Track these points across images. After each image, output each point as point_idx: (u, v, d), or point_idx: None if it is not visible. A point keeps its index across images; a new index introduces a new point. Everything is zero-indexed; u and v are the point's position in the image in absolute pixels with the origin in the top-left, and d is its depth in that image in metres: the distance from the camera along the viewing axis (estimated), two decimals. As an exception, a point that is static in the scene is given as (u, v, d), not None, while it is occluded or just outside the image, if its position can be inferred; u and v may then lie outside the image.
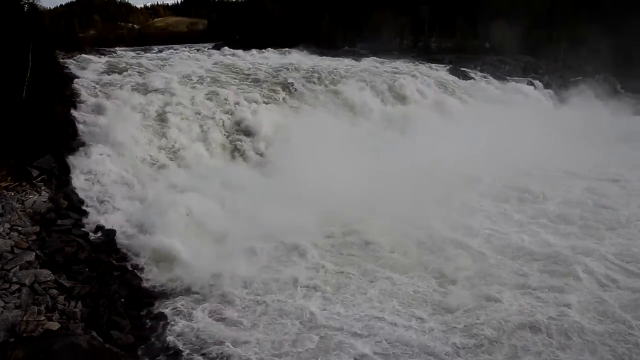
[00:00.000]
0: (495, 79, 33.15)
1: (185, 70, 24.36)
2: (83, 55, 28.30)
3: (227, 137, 19.17)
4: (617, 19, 47.02)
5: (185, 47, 45.95)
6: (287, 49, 39.01)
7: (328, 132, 19.67)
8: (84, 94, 18.77)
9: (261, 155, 18.46)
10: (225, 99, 20.97)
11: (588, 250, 12.33)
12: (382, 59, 35.02)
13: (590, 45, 41.09)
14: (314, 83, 25.43)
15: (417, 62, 34.36)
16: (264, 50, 37.76)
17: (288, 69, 27.07)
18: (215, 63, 28.03)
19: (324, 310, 10.15)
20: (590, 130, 25.52)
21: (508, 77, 34.17)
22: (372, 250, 12.49)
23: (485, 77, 33.03)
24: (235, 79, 24.50)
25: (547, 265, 11.71)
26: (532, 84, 33.79)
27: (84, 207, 13.66)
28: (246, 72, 26.09)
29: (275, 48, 38.95)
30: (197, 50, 40.53)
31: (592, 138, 24.08)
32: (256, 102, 21.65)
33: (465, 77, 31.87)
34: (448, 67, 33.42)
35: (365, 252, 12.40)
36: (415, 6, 47.77)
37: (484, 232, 13.45)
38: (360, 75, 27.31)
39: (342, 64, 31.32)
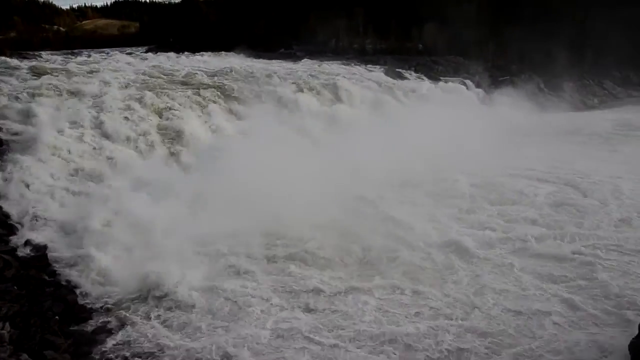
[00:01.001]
0: (430, 79, 34.24)
1: (118, 74, 23.60)
2: (3, 58, 26.95)
3: (161, 141, 18.62)
4: (536, 21, 49.76)
5: (117, 51, 44.41)
6: (223, 52, 38.60)
7: (266, 135, 19.51)
8: (6, 101, 17.77)
9: (197, 159, 18.03)
10: (160, 103, 20.41)
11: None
12: (318, 61, 35.35)
13: (515, 46, 43.27)
14: (252, 85, 25.24)
15: (353, 64, 34.93)
16: (199, 53, 37.20)
17: (225, 72, 26.80)
18: (149, 67, 27.30)
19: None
20: (523, 127, 27.01)
21: (441, 78, 35.34)
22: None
23: (420, 78, 34.04)
24: (170, 82, 24.00)
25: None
26: (464, 83, 35.08)
27: (10, 222, 12.88)
28: (181, 76, 25.65)
29: (210, 51, 38.46)
30: (130, 54, 39.35)
31: (527, 135, 25.54)
32: (192, 106, 21.24)
33: (401, 77, 32.69)
34: (384, 68, 34.14)
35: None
36: (350, 8, 48.55)
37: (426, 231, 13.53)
38: (298, 77, 27.46)
39: (279, 66, 31.35)
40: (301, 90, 25.42)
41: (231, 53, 38.16)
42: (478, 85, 36.04)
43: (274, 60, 35.14)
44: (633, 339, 6.94)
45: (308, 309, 10.04)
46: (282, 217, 13.44)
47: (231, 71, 27.03)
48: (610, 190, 16.37)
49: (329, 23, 46.06)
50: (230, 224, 12.91)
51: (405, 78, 32.90)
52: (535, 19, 52.28)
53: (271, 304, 10.24)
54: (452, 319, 9.52)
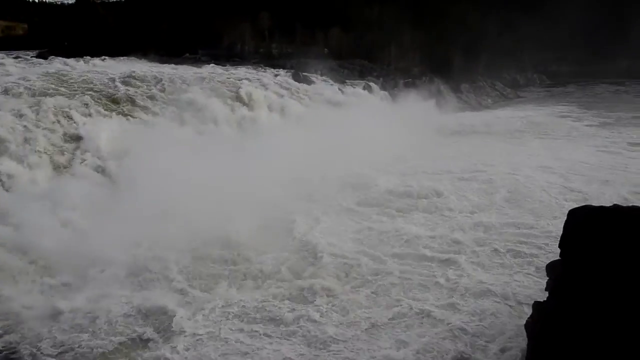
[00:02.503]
0: (336, 82, 34.95)
1: (6, 80, 21.84)
2: None
3: (60, 153, 17.50)
4: (434, 26, 52.46)
5: (2, 54, 40.92)
6: (124, 57, 36.96)
7: (174, 142, 19.01)
8: None
9: (102, 171, 17.18)
10: (57, 112, 19.14)
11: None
12: (225, 66, 34.93)
13: (416, 49, 45.33)
14: (157, 91, 24.39)
15: (259, 68, 34.86)
16: (98, 58, 35.33)
17: (127, 78, 25.67)
18: (42, 72, 25.53)
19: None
20: (426, 127, 28.40)
21: (347, 81, 36.21)
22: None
23: (326, 81, 34.63)
24: (67, 89, 22.56)
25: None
26: (369, 86, 36.17)
27: None
28: (79, 82, 24.21)
29: (110, 56, 36.66)
30: (17, 57, 36.49)
31: (430, 134, 26.91)
32: (93, 114, 20.14)
33: (308, 81, 33.07)
34: (290, 72, 34.36)
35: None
36: (256, 12, 48.37)
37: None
38: (205, 82, 26.92)
39: (185, 71, 30.53)
40: (208, 96, 24.95)
41: (133, 58, 36.64)
42: (383, 88, 37.33)
43: (179, 65, 34.20)
44: (528, 318, 7.43)
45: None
46: (199, 232, 13.08)
47: (133, 77, 25.95)
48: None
49: (235, 27, 45.62)
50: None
51: (312, 82, 33.32)
52: (433, 23, 55.21)
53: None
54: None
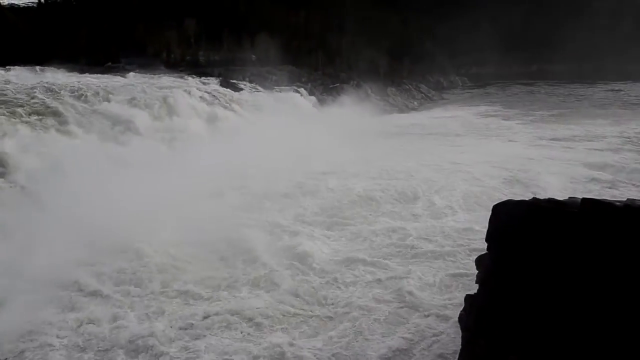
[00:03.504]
0: (265, 89, 34.91)
1: None
2: None
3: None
4: (359, 31, 53.70)
5: None
6: (39, 66, 35.07)
7: (99, 155, 18.22)
8: None
9: (21, 189, 16.13)
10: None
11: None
12: (150, 74, 33.97)
13: (343, 55, 46.18)
14: (78, 102, 23.25)
15: (186, 76, 34.20)
16: (9, 67, 33.31)
17: (45, 89, 24.30)
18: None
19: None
20: (356, 130, 28.75)
21: (276, 87, 36.25)
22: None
23: (255, 88, 34.51)
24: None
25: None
26: (297, 92, 36.38)
27: None
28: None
29: (23, 65, 34.68)
30: None
31: (359, 137, 27.16)
32: (6, 129, 18.92)
33: (236, 88, 32.81)
34: (218, 80, 33.97)
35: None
36: (181, 19, 47.46)
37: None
38: (129, 92, 25.98)
39: (107, 81, 29.38)
40: (133, 107, 24.10)
41: (50, 67, 34.87)
42: (311, 93, 37.68)
43: (100, 75, 32.90)
44: (461, 311, 7.70)
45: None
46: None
47: (53, 88, 24.61)
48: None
49: (160, 34, 44.54)
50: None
51: (241, 89, 33.10)
52: (358, 29, 56.51)
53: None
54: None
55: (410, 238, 12.79)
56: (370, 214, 14.72)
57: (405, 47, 58.44)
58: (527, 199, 6.73)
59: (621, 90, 53.80)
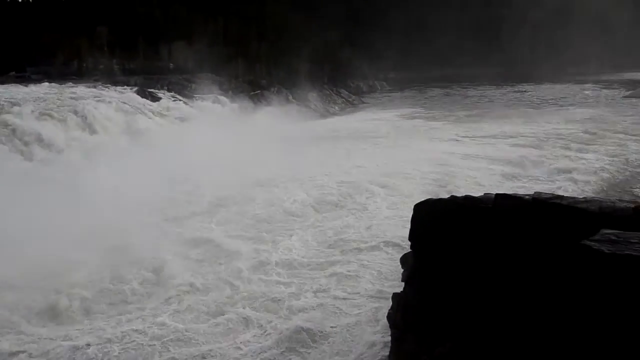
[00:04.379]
0: (184, 97, 34.11)
1: None
2: None
3: None
4: (279, 38, 53.98)
5: None
6: None
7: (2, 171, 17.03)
8: None
9: None
10: None
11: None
12: (60, 84, 32.20)
13: (263, 61, 46.17)
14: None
15: (101, 86, 32.71)
16: None
17: None
18: None
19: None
20: (278, 137, 28.40)
21: (196, 96, 35.52)
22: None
23: (174, 97, 33.60)
24: None
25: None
26: (218, 99, 35.87)
27: None
28: None
29: None
30: None
31: (280, 143, 26.79)
32: None
33: (154, 98, 31.80)
34: (135, 89, 32.72)
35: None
36: (92, 27, 45.43)
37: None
38: (37, 104, 24.47)
39: (12, 91, 27.52)
40: (42, 119, 22.71)
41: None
42: (233, 101, 37.29)
43: (3, 85, 30.74)
44: (389, 310, 7.87)
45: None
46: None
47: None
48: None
49: (69, 42, 42.40)
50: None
51: (159, 98, 32.11)
52: (278, 36, 56.72)
53: None
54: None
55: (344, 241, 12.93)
56: (299, 226, 14.34)
57: (325, 53, 59.29)
58: (445, 196, 7.04)
59: (527, 92, 57.66)
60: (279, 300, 10.06)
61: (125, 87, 33.01)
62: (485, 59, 76.08)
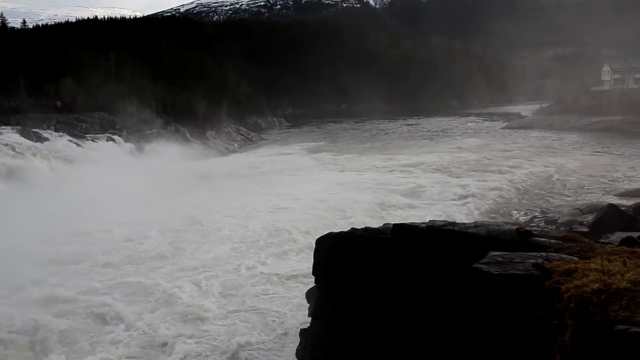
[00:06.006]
0: (74, 137, 32.16)
1: None
2: None
3: None
4: (175, 76, 53.32)
5: None
6: None
7: None
8: None
9: None
10: None
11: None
12: None
13: (157, 100, 45.09)
14: None
15: (-25, 126, 29.98)
16: None
17: None
18: None
19: None
20: (175, 177, 27.29)
21: (87, 135, 33.65)
22: None
23: (62, 137, 31.55)
24: None
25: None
26: (112, 139, 34.29)
27: None
28: None
29: None
30: None
31: (175, 183, 25.79)
32: None
33: (39, 138, 29.63)
34: (17, 129, 30.29)
35: None
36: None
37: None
38: None
39: None
40: None
41: None
42: (127, 140, 35.82)
43: None
44: (298, 346, 7.78)
45: None
46: None
47: None
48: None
49: None
50: None
51: (46, 139, 29.99)
52: (173, 73, 55.93)
53: None
54: None
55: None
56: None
57: (222, 91, 59.25)
58: (346, 229, 7.20)
59: (418, 124, 61.25)
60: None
61: (6, 127, 30.42)
62: (375, 95, 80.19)
